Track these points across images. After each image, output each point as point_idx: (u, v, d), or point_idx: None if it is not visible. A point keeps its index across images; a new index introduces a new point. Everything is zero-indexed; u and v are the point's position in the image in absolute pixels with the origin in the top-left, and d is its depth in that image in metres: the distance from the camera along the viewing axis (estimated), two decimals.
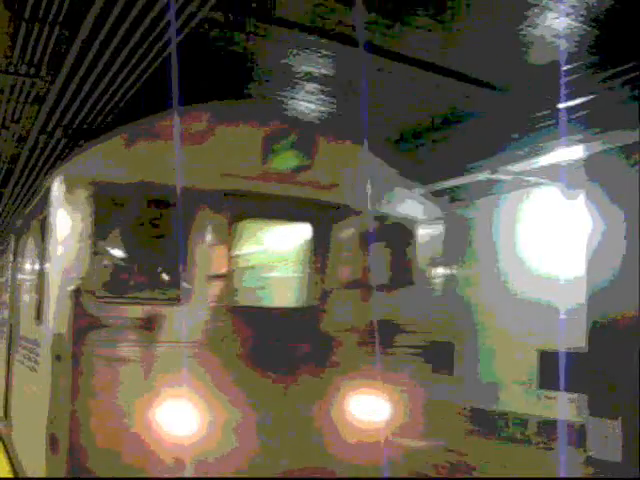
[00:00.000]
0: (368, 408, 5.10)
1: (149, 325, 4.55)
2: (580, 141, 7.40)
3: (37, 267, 5.82)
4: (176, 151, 4.59)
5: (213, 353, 4.63)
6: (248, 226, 5.75)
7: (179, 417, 4.47)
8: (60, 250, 4.64)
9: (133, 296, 4.80)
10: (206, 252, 4.81)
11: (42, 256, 5.47)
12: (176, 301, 4.71)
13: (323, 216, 5.31)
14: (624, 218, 7.46)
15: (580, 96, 6.70)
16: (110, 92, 6.15)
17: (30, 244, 6.57)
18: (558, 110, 6.92)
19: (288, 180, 5.08)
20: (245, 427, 4.59)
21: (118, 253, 5.00)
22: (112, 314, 4.50)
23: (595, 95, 6.64)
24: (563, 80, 6.49)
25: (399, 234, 5.72)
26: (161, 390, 4.39)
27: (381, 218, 5.49)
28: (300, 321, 5.13)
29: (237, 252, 5.86)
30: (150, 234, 5.18)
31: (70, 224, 4.58)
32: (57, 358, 4.45)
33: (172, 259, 4.78)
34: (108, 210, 4.69)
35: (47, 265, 5.10)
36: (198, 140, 4.83)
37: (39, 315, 5.22)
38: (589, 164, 7.84)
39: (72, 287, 4.45)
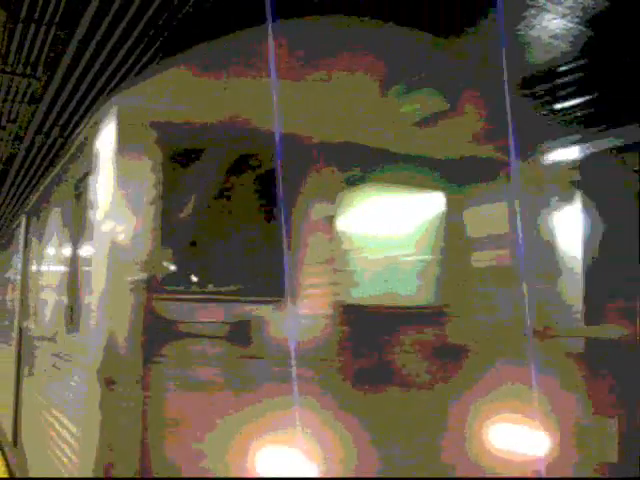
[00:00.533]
0: (516, 437, 3.72)
1: (243, 333, 3.13)
2: (577, 141, 7.41)
3: (67, 251, 4.31)
4: (272, 85, 3.13)
5: (326, 372, 3.25)
6: (363, 194, 4.17)
7: (285, 466, 3.09)
8: (111, 223, 3.10)
9: (217, 291, 3.44)
10: (317, 230, 3.41)
11: (78, 234, 4.00)
12: (279, 299, 3.29)
13: (462, 182, 3.86)
14: (622, 219, 7.47)
15: (577, 97, 6.71)
16: (107, 92, 6.14)
17: (54, 221, 4.90)
18: (555, 111, 6.93)
19: (418, 132, 3.68)
20: (367, 471, 3.29)
21: (196, 229, 3.48)
22: (191, 318, 3.12)
23: (592, 96, 6.65)
24: (560, 80, 6.51)
25: (559, 208, 4.18)
26: (261, 429, 3.06)
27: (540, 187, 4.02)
28: (428, 324, 3.68)
29: (350, 230, 4.22)
30: (239, 203, 3.66)
31: (126, 185, 3.08)
32: (108, 383, 2.98)
33: (270, 239, 3.38)
34: (181, 165, 3.33)
35: (88, 246, 3.61)
36: (301, 74, 3.41)
37: (72, 319, 3.90)
38: (586, 164, 7.84)
39: (135, 277, 3.02)
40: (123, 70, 5.65)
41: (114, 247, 3.10)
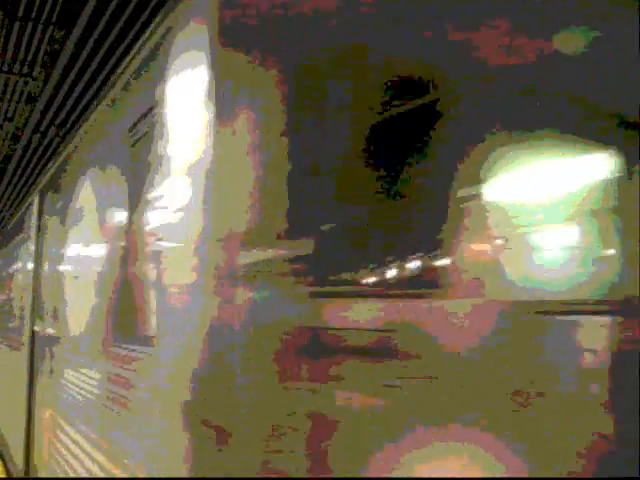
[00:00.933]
0: None
1: (398, 343, 2.05)
2: None
3: (114, 229, 3.22)
4: None
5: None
6: (527, 154, 2.68)
7: None
8: (202, 180, 2.03)
9: (365, 283, 2.25)
10: (474, 200, 2.27)
11: (137, 202, 2.83)
12: (431, 291, 2.18)
13: None
14: None
15: None
16: (103, 91, 6.15)
17: (89, 191, 3.81)
18: None
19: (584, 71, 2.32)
20: None
21: (328, 192, 2.26)
22: (338, 322, 2.04)
23: None
24: None
25: None
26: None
27: None
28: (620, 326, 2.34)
29: (514, 203, 2.33)
30: (375, 155, 2.41)
31: (226, 120, 1.99)
32: (202, 424, 1.94)
33: (413, 208, 2.22)
34: (310, 92, 2.15)
35: (158, 217, 2.49)
36: None
37: (125, 326, 2.84)
38: None
39: (247, 260, 1.97)
40: (120, 68, 5.66)
41: (210, 216, 1.97)
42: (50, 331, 4.65)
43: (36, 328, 5.26)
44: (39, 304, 5.26)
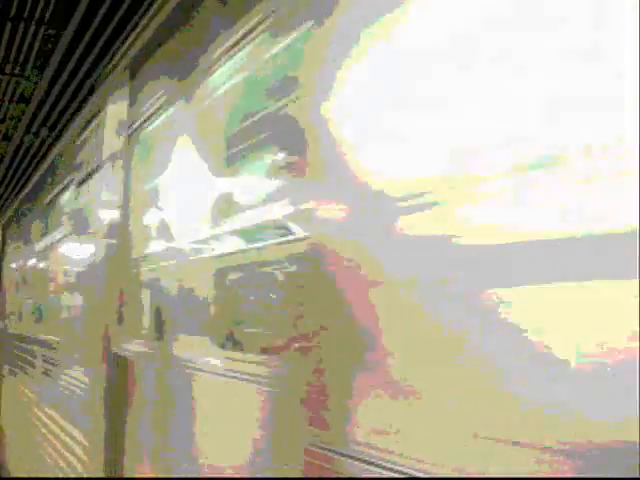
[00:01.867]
0: None
1: None
2: None
3: None
4: None
5: None
6: None
7: None
8: None
9: None
10: None
11: None
12: None
13: None
14: None
15: None
16: (96, 92, 6.13)
17: None
18: None
19: None
20: None
21: None
22: None
23: None
24: None
25: None
26: None
27: None
28: None
29: None
30: None
31: None
32: None
33: None
34: None
35: None
36: None
37: None
38: None
39: None
40: (115, 70, 5.64)
41: None
42: (184, 354, 2.51)
43: (132, 348, 3.04)
44: (113, 304, 3.09)
